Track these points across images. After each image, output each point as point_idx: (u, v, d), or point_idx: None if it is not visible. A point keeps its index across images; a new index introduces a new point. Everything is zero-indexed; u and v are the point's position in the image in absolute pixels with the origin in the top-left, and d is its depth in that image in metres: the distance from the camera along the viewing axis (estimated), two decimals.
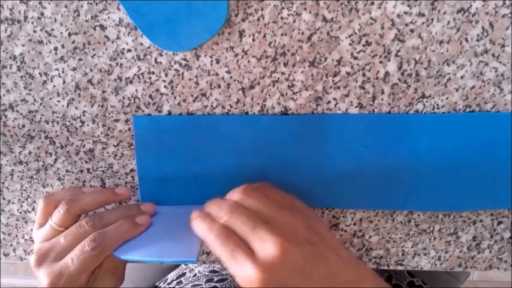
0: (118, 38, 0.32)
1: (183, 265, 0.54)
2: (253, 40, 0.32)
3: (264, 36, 0.32)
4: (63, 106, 0.35)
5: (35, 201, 0.39)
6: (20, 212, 0.39)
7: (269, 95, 0.33)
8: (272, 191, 0.32)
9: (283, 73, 0.33)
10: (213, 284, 0.45)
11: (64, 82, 0.34)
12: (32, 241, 0.40)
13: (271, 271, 0.27)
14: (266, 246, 0.27)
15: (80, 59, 0.33)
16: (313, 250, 0.29)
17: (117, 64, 0.33)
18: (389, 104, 0.33)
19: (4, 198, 0.39)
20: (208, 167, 0.36)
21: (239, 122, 0.34)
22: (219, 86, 0.33)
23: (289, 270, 0.27)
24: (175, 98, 0.34)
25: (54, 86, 0.34)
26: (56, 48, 0.33)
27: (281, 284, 0.27)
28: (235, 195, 0.31)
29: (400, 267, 0.40)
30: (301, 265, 0.27)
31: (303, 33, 0.31)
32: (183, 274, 0.51)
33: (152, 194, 0.37)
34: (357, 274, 0.30)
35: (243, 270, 0.27)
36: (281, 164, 0.35)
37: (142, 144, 0.35)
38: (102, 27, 0.32)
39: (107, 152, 0.36)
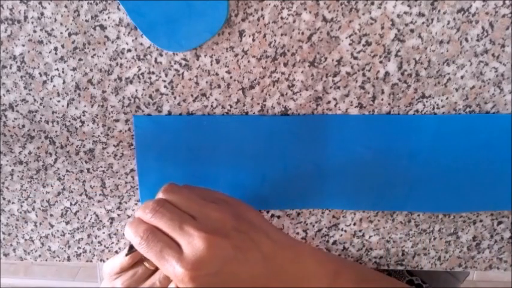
0: (118, 38, 0.32)
1: None
2: (253, 40, 0.32)
3: (264, 36, 0.32)
4: (63, 106, 0.35)
5: (35, 201, 0.39)
6: (20, 212, 0.39)
7: (269, 95, 0.33)
8: (196, 188, 0.32)
9: (283, 73, 0.33)
10: None
11: (64, 82, 0.34)
12: (32, 241, 0.40)
13: (201, 266, 0.27)
14: (193, 242, 0.27)
15: (80, 59, 0.33)
16: (242, 237, 0.29)
17: (117, 64, 0.33)
18: (389, 104, 0.33)
19: (4, 198, 0.39)
20: (209, 167, 0.36)
21: (240, 123, 0.34)
22: (219, 86, 0.33)
23: (220, 261, 0.27)
24: (175, 98, 0.34)
25: (54, 86, 0.34)
26: (56, 48, 0.33)
27: (215, 276, 0.27)
28: (159, 194, 0.31)
29: (400, 267, 0.40)
30: (232, 254, 0.27)
31: (303, 33, 0.31)
32: None
33: (152, 194, 0.37)
34: (293, 253, 0.30)
35: (173, 269, 0.27)
36: (281, 165, 0.35)
37: (142, 144, 0.35)
38: (102, 27, 0.32)
39: (107, 152, 0.36)
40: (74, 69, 0.33)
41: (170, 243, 0.28)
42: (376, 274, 0.35)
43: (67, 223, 0.39)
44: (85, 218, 0.39)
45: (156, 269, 0.33)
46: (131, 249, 0.31)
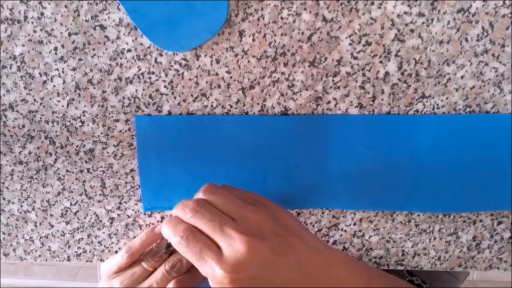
0: (118, 38, 0.32)
1: None
2: (253, 40, 0.32)
3: (264, 36, 0.32)
4: (63, 106, 0.35)
5: (35, 201, 0.39)
6: (20, 212, 0.39)
7: (269, 95, 0.33)
8: (235, 189, 0.32)
9: (283, 73, 0.33)
10: None
11: (64, 82, 0.34)
12: (32, 241, 0.40)
13: (241, 269, 0.27)
14: (233, 244, 0.27)
15: (80, 59, 0.33)
16: (279, 241, 0.29)
17: (117, 64, 0.33)
18: (389, 104, 0.33)
19: (4, 198, 0.39)
20: (209, 167, 0.36)
21: (240, 123, 0.34)
22: (219, 86, 0.33)
23: (258, 265, 0.27)
24: (175, 98, 0.34)
25: (54, 86, 0.34)
26: (56, 48, 0.33)
27: (252, 279, 0.27)
28: (199, 194, 0.31)
29: (400, 267, 0.40)
30: (270, 258, 0.27)
31: (303, 33, 0.31)
32: None
33: (153, 194, 0.37)
34: (326, 260, 0.30)
35: (212, 271, 0.27)
36: (281, 164, 0.35)
37: (143, 144, 0.35)
38: (102, 27, 0.32)
39: (107, 152, 0.36)
40: (74, 69, 0.33)
41: (210, 244, 0.28)
42: (407, 285, 0.35)
43: (67, 223, 0.39)
44: (85, 218, 0.39)
45: (154, 270, 0.33)
46: (168, 247, 0.31)
